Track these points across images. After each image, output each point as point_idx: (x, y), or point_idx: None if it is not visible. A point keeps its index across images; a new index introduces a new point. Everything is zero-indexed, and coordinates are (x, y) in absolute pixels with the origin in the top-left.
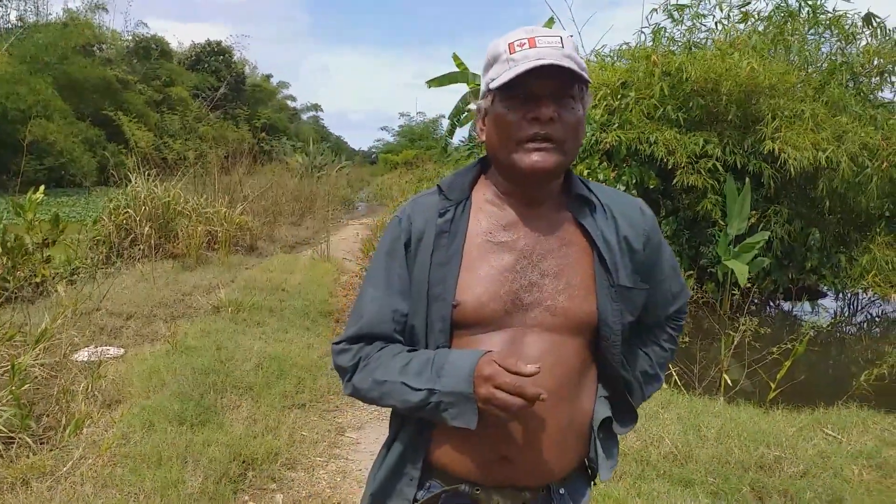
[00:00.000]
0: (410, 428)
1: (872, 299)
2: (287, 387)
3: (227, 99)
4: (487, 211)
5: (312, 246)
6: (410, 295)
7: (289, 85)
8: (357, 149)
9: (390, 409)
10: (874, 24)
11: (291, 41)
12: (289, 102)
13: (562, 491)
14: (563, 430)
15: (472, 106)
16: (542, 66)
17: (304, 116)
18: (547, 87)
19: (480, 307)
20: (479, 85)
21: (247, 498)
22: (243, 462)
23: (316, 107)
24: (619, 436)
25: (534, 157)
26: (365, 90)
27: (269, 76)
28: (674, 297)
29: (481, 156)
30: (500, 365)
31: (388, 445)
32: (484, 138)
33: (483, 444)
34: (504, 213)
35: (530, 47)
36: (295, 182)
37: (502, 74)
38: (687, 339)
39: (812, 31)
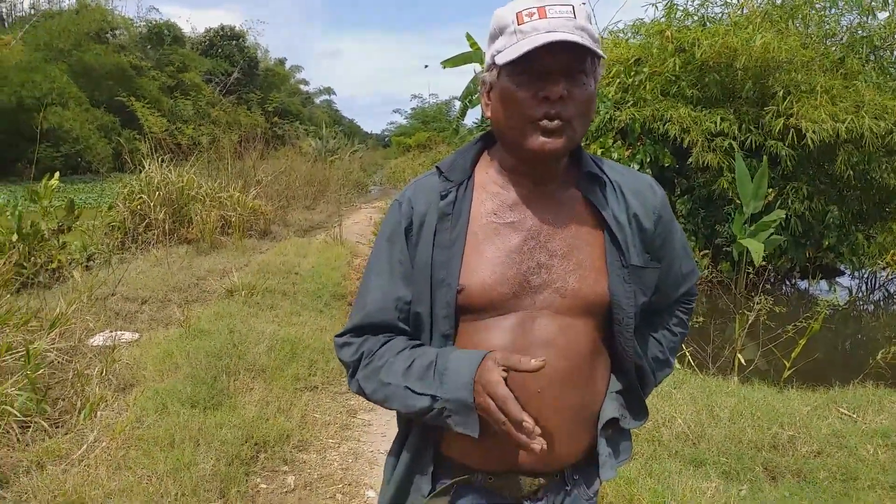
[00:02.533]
0: (421, 423)
1: (891, 277)
2: (299, 369)
3: (240, 84)
4: (492, 190)
5: (326, 230)
6: (413, 281)
7: (301, 69)
8: (370, 132)
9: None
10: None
11: (303, 24)
12: (301, 86)
13: (576, 476)
14: (576, 415)
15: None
16: (553, 43)
17: (317, 100)
18: (558, 62)
19: (486, 291)
20: None
21: (259, 480)
22: (255, 444)
23: (329, 90)
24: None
25: (543, 139)
26: (378, 73)
27: (282, 60)
28: (684, 277)
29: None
30: (503, 366)
31: (400, 443)
32: (489, 114)
33: (495, 433)
34: (509, 191)
35: (540, 18)
36: (308, 166)
37: (509, 48)
38: (701, 319)
39: (830, 4)
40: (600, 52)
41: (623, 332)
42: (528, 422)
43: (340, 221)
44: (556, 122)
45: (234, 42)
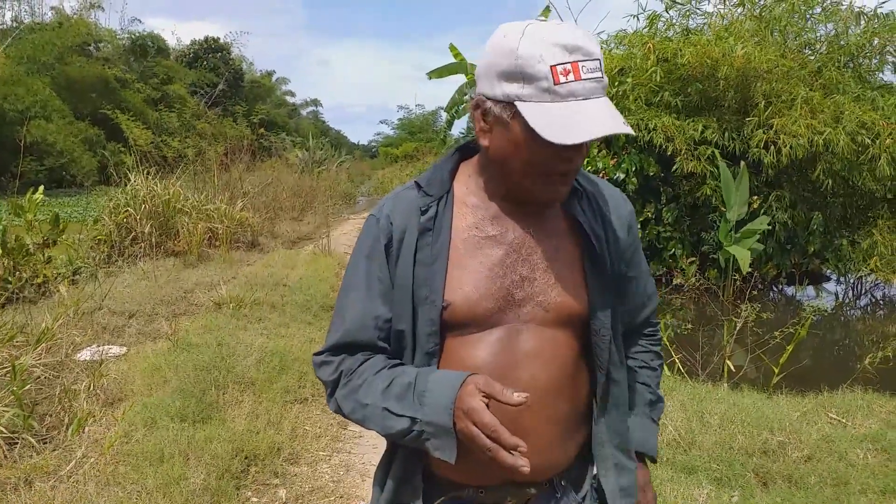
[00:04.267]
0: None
1: (877, 282)
2: (289, 381)
3: (225, 95)
4: (472, 203)
5: (313, 241)
6: (393, 299)
7: (288, 81)
8: (357, 143)
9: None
10: (864, 17)
11: (289, 36)
12: (288, 98)
13: (563, 483)
14: (563, 423)
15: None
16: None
17: (304, 112)
18: None
19: (472, 306)
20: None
21: (250, 493)
22: (245, 458)
23: (315, 102)
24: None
25: (560, 190)
26: (364, 84)
27: (270, 73)
28: (648, 297)
29: (458, 144)
30: (485, 393)
31: (384, 470)
32: (487, 143)
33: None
34: (489, 204)
35: (575, 79)
36: (295, 177)
37: (541, 109)
38: (689, 326)
39: (808, 15)
40: (631, 131)
41: (599, 343)
42: (523, 447)
43: (328, 232)
44: (570, 176)
45: (218, 54)
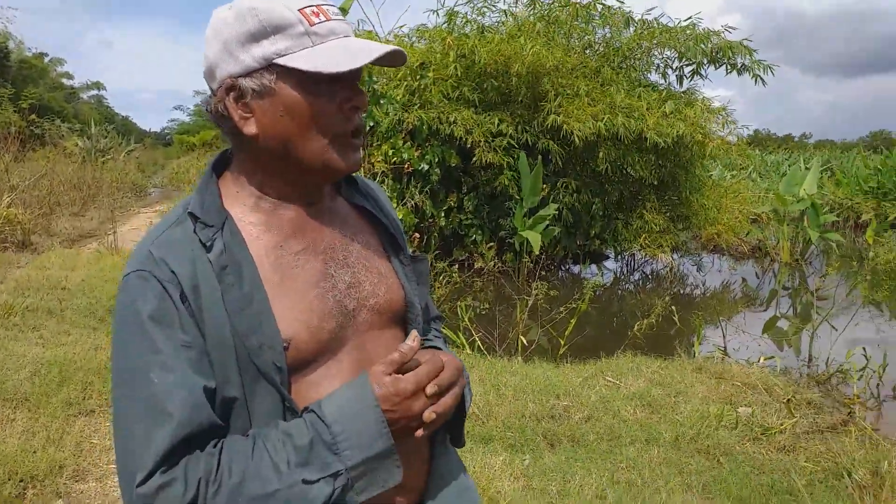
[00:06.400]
0: None
1: (646, 259)
2: (71, 393)
3: None
4: (259, 221)
5: (98, 238)
6: (209, 363)
7: (64, 62)
8: (148, 130)
9: None
10: (633, 22)
11: (64, 13)
12: (65, 81)
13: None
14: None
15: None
16: (383, 55)
17: (85, 96)
18: (359, 70)
19: (315, 334)
20: None
21: None
22: (21, 480)
23: (98, 85)
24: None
25: (356, 156)
26: (158, 67)
27: (42, 54)
28: (427, 277)
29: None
30: (389, 373)
31: None
32: (255, 130)
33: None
34: (283, 217)
35: (326, 19)
36: (75, 168)
37: (307, 52)
38: (487, 306)
39: (586, 21)
40: (403, 50)
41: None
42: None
43: (115, 228)
44: (359, 134)
45: None
